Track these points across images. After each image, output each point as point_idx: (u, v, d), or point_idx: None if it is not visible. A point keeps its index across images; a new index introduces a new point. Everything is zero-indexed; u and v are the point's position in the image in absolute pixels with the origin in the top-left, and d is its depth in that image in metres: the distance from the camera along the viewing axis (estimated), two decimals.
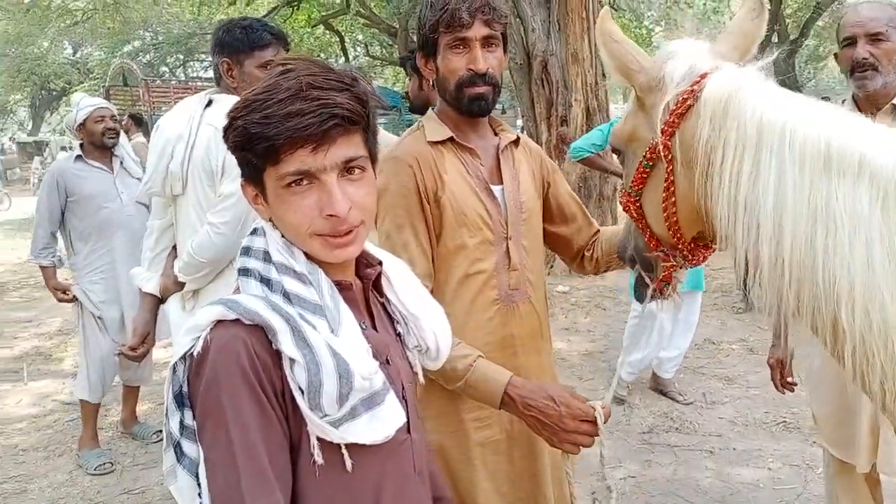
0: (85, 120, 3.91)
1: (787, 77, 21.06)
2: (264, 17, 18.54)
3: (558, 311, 6.68)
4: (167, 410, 1.08)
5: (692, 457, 3.80)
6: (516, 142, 1.89)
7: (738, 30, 1.41)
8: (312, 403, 1.00)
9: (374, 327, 1.19)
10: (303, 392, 0.99)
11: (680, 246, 1.44)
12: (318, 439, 1.03)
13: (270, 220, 1.11)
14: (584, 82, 7.64)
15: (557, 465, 1.89)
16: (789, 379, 2.52)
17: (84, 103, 4.02)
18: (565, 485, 1.91)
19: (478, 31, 1.67)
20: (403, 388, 1.19)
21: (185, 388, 1.05)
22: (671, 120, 1.29)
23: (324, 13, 19.00)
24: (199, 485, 1.05)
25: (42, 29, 19.91)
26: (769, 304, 1.19)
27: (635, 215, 1.47)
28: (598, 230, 1.99)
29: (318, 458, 1.03)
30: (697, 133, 1.24)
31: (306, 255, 1.09)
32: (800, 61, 26.18)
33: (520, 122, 18.12)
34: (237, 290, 1.10)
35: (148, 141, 9.89)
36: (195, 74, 24.86)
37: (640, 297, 1.66)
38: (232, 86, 2.43)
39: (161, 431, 4.26)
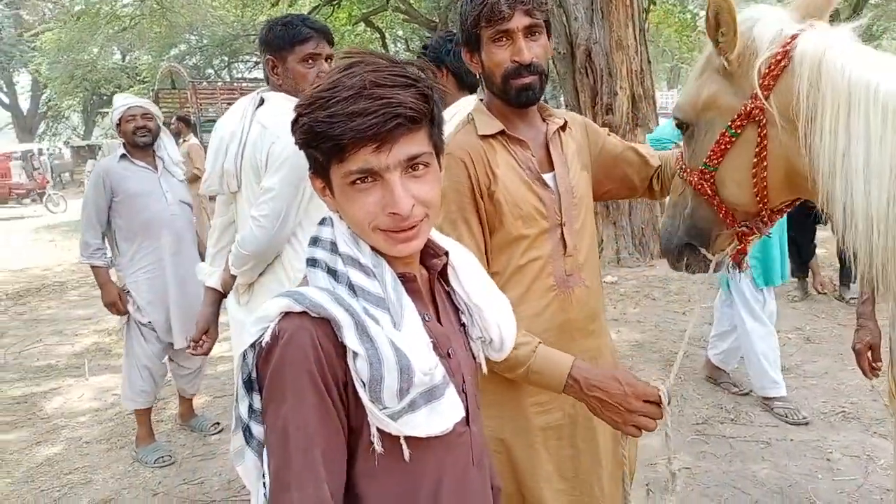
0: (119, 120, 3.93)
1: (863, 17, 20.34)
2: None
3: (607, 301, 6.62)
4: (237, 395, 1.12)
5: (748, 448, 3.72)
6: (563, 126, 1.88)
7: (807, 3, 1.41)
8: (373, 396, 1.02)
9: (438, 319, 1.20)
10: (364, 385, 1.02)
11: (764, 213, 1.44)
12: (379, 430, 1.05)
13: (337, 211, 1.12)
14: (629, 70, 7.53)
15: (615, 448, 1.89)
16: (877, 364, 2.40)
17: (117, 103, 4.04)
18: (623, 467, 1.90)
19: (519, 21, 1.66)
20: (464, 381, 1.20)
21: (254, 375, 1.08)
22: (766, 82, 1.31)
23: (364, 10, 19.11)
24: (263, 465, 1.09)
25: (92, 35, 20.46)
26: (862, 262, 1.23)
27: (710, 192, 1.46)
28: (660, 164, 2.00)
29: (378, 448, 1.05)
30: (796, 91, 1.27)
31: (371, 247, 1.11)
32: None
33: (563, 112, 17.97)
34: (305, 280, 1.12)
35: (200, 142, 10.14)
36: (240, 75, 25.31)
37: (710, 269, 1.64)
38: (277, 83, 2.48)
39: (218, 423, 4.37)
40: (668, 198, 1.78)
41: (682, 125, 1.52)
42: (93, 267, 3.93)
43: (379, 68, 1.03)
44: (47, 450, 4.29)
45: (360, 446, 1.07)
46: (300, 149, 1.09)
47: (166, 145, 4.12)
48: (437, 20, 16.16)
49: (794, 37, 1.31)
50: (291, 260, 2.41)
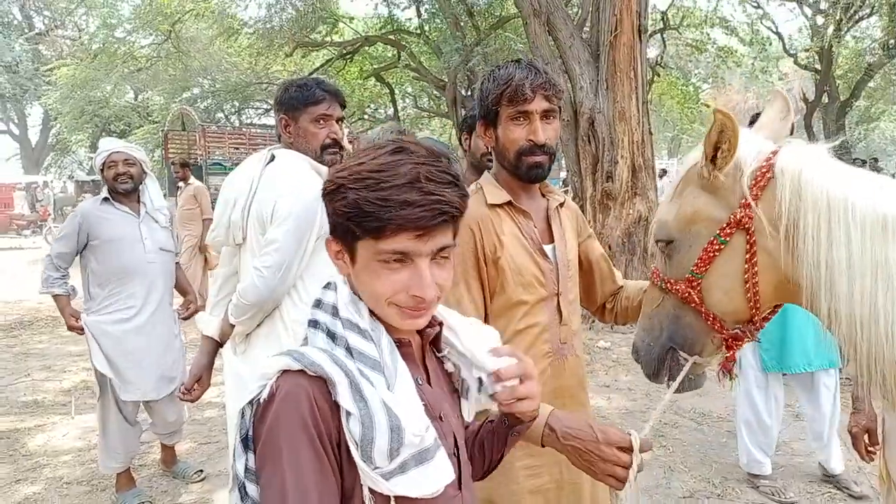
0: (102, 165, 3.88)
1: (838, 137, 20.81)
2: (318, 68, 19.21)
3: (599, 367, 6.62)
4: (234, 452, 1.15)
5: None
6: (561, 203, 2.02)
7: (769, 128, 1.57)
8: (365, 455, 1.05)
9: (429, 382, 1.24)
10: (356, 444, 1.05)
11: (756, 318, 1.51)
12: (371, 491, 1.08)
13: (349, 275, 1.18)
14: (630, 140, 7.69)
15: None
16: (874, 448, 2.38)
17: (101, 147, 3.97)
18: None
19: (538, 105, 1.80)
20: (456, 445, 1.23)
21: (251, 433, 1.11)
22: (755, 192, 1.41)
23: (376, 66, 19.58)
24: None
25: (107, 74, 20.84)
26: (848, 355, 1.34)
27: (697, 300, 1.52)
28: (622, 286, 2.13)
29: None
30: (780, 200, 1.38)
31: (372, 313, 1.16)
32: (850, 122, 25.88)
33: (563, 175, 18.23)
34: (306, 340, 1.17)
35: (205, 184, 10.15)
36: (249, 121, 25.69)
37: (693, 385, 1.67)
38: (289, 141, 2.58)
39: (202, 471, 4.32)
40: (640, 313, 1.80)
41: (661, 242, 1.59)
42: (54, 297, 3.86)
43: (428, 161, 1.10)
44: (27, 488, 4.24)
45: None
46: (334, 217, 1.13)
47: (150, 190, 4.04)
48: (447, 79, 16.53)
49: (774, 153, 1.43)
50: (290, 311, 2.45)
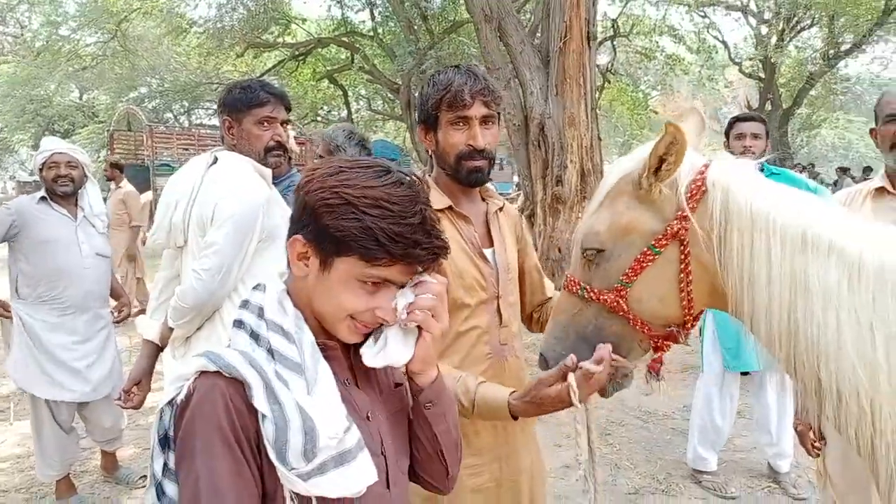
0: (42, 165, 3.75)
1: (781, 144, 21.56)
2: (270, 69, 19.02)
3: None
4: (153, 452, 1.15)
5: None
6: (501, 208, 2.05)
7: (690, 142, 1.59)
8: (280, 456, 1.06)
9: (357, 384, 1.26)
10: (272, 445, 1.06)
11: (688, 321, 1.54)
12: (291, 490, 1.09)
13: (305, 276, 1.18)
14: (579, 145, 7.82)
15: None
16: (819, 444, 2.46)
17: (43, 146, 3.85)
18: None
19: (477, 110, 1.82)
20: (383, 444, 1.25)
21: (170, 433, 1.13)
22: (691, 205, 1.45)
23: (329, 68, 19.48)
24: None
25: (50, 72, 20.25)
26: (770, 360, 1.39)
27: (625, 307, 1.53)
28: (551, 297, 2.17)
29: None
30: (710, 212, 1.42)
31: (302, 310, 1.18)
32: (793, 129, 26.74)
33: (516, 178, 18.41)
34: (230, 342, 1.18)
35: (154, 186, 9.76)
36: (199, 122, 25.25)
37: (619, 387, 1.66)
38: (231, 143, 2.56)
39: (145, 476, 4.23)
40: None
41: (589, 251, 1.58)
42: None
43: (427, 202, 1.17)
44: None
45: None
46: (329, 225, 1.12)
47: (89, 194, 3.93)
48: (401, 82, 16.54)
49: (706, 166, 1.48)
50: (230, 314, 2.39)
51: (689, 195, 1.46)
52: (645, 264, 1.50)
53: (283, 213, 2.50)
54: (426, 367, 1.27)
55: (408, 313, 1.18)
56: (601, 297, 1.55)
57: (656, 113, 23.87)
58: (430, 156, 1.96)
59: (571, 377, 1.47)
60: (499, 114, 1.90)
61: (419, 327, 1.21)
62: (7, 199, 27.57)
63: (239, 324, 1.18)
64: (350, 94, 21.67)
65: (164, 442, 1.14)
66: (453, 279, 1.80)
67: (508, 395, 1.61)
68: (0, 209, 3.78)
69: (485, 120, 1.84)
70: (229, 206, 2.34)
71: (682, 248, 1.47)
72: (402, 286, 1.17)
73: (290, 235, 1.18)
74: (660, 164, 1.47)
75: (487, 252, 1.91)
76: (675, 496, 4.06)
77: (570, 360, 1.47)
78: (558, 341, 1.65)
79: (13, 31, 25.52)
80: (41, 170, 3.78)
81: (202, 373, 1.10)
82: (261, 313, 1.17)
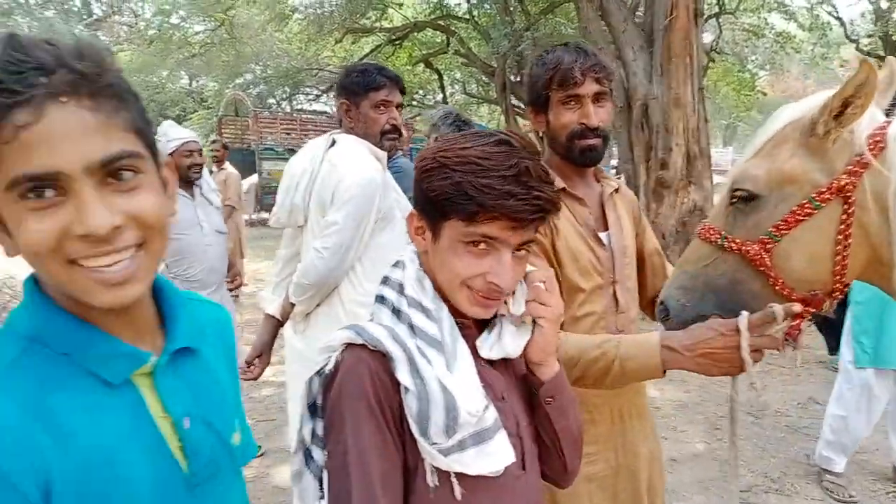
0: (173, 153, 3.83)
1: None
2: (368, 55, 19.28)
3: None
4: (301, 419, 1.19)
5: None
6: (616, 189, 1.98)
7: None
8: (422, 430, 1.07)
9: (492, 364, 1.24)
10: (414, 419, 1.07)
11: (837, 290, 1.41)
12: (432, 465, 1.10)
13: (425, 252, 1.20)
14: (685, 127, 7.53)
15: (653, 499, 1.93)
16: None
17: (172, 134, 3.96)
18: None
19: (589, 87, 1.77)
20: (518, 426, 1.23)
21: (318, 401, 1.16)
22: (864, 161, 1.32)
23: (424, 52, 19.58)
24: (321, 488, 1.16)
25: (163, 59, 21.25)
26: None
27: (768, 263, 1.41)
28: None
29: (431, 482, 1.10)
30: (890, 169, 1.29)
31: (439, 292, 1.18)
32: None
33: (613, 162, 17.98)
34: (372, 316, 1.20)
35: (259, 169, 10.02)
36: (299, 107, 26.00)
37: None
38: (349, 125, 2.61)
39: (260, 446, 4.39)
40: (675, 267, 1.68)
41: (745, 196, 1.46)
42: None
43: (530, 157, 1.12)
44: None
45: (416, 482, 1.11)
46: (425, 192, 1.14)
47: (204, 173, 4.08)
48: (496, 65, 16.42)
49: (887, 122, 1.34)
50: (349, 292, 2.50)
51: (866, 150, 1.31)
52: (800, 218, 1.37)
53: (396, 195, 2.57)
54: (545, 358, 1.24)
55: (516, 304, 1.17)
56: (743, 247, 1.44)
57: (764, 94, 22.71)
58: (542, 138, 1.92)
59: (745, 327, 1.35)
60: (611, 90, 1.84)
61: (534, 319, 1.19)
62: None
63: (381, 299, 1.19)
64: (445, 77, 21.72)
65: (313, 409, 1.17)
66: (568, 262, 1.76)
67: (658, 344, 1.47)
68: None
69: (597, 97, 1.79)
70: (349, 187, 2.41)
71: (845, 205, 1.33)
72: (515, 249, 1.13)
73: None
74: (843, 108, 1.33)
75: (603, 235, 1.85)
76: (790, 496, 3.87)
77: (785, 309, 1.33)
78: (683, 291, 1.55)
79: (128, 20, 26.98)
80: (171, 154, 3.88)
81: (348, 345, 1.12)
82: (401, 289, 1.18)
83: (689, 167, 7.57)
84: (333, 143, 2.59)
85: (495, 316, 1.21)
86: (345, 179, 2.42)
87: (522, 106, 16.74)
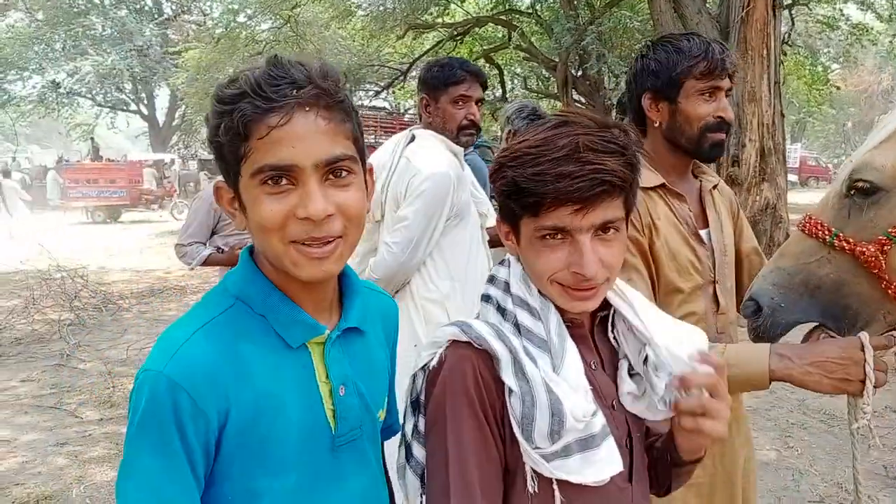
0: None
1: None
2: (429, 51, 19.33)
3: None
4: (404, 414, 1.19)
5: None
6: (715, 185, 1.91)
7: None
8: (525, 434, 1.03)
9: (604, 368, 1.19)
10: (517, 421, 1.04)
11: None
12: (533, 470, 1.06)
13: (517, 255, 1.17)
14: (760, 122, 7.29)
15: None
16: None
17: None
18: None
19: (727, 81, 1.75)
20: (629, 436, 1.17)
21: (421, 397, 1.14)
22: None
23: (485, 47, 19.50)
24: (422, 485, 1.14)
25: (230, 56, 21.72)
26: None
27: (882, 266, 1.30)
28: None
29: (531, 488, 1.07)
30: None
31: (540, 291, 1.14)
32: None
33: None
34: (479, 314, 1.18)
35: None
36: (360, 103, 26.26)
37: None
38: (428, 120, 2.62)
39: None
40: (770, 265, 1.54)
41: (865, 188, 1.33)
42: (205, 263, 4.02)
43: (590, 131, 1.06)
44: None
45: (515, 486, 1.08)
46: (497, 197, 1.13)
47: None
48: (558, 60, 16.23)
49: None
50: (419, 288, 2.51)
51: None
52: None
53: (474, 191, 2.56)
54: (692, 455, 1.15)
55: (672, 405, 1.07)
56: (857, 248, 1.31)
57: (838, 88, 21.88)
58: (658, 127, 1.80)
59: (867, 344, 1.27)
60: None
61: None
62: (190, 175, 30.24)
63: (486, 298, 1.18)
64: (506, 72, 21.59)
65: (416, 405, 1.17)
66: (667, 261, 1.70)
67: (768, 350, 1.39)
68: (205, 201, 4.12)
69: (727, 93, 1.77)
70: (422, 182, 2.42)
71: None
72: (596, 232, 1.06)
73: None
74: None
75: (703, 233, 1.79)
76: None
77: None
78: (777, 288, 1.44)
79: (197, 18, 27.72)
80: None
81: (454, 342, 1.10)
82: (507, 288, 1.15)
83: (763, 163, 7.34)
84: (412, 138, 2.59)
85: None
86: (418, 174, 2.43)
87: (583, 101, 16.50)
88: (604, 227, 1.07)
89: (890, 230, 1.29)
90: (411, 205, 2.42)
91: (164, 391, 0.93)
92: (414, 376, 1.17)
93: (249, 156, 0.96)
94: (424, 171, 2.43)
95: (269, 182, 0.96)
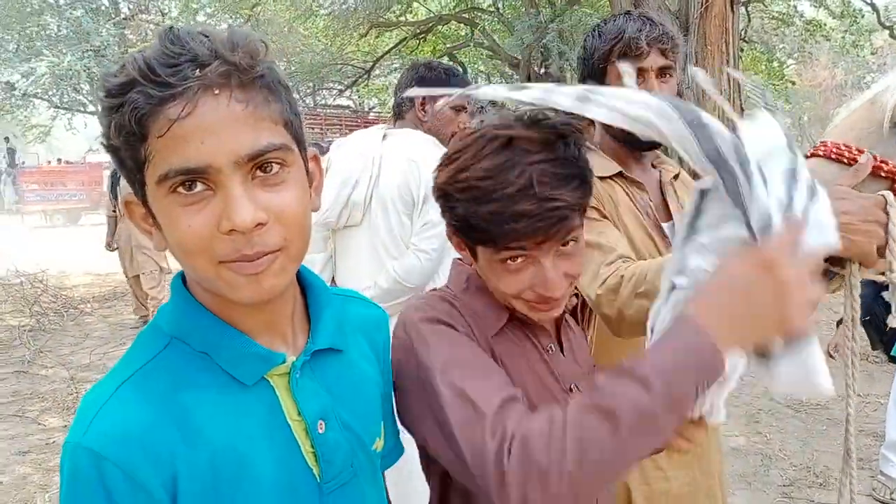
0: None
1: None
2: (392, 49, 19.28)
3: None
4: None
5: None
6: (676, 175, 1.82)
7: None
8: None
9: (563, 352, 1.20)
10: None
11: None
12: None
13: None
14: (720, 116, 7.40)
15: None
16: None
17: None
18: None
19: (654, 60, 1.61)
20: None
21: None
22: None
23: (448, 45, 19.51)
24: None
25: None
26: None
27: None
28: None
29: None
30: None
31: None
32: None
33: None
34: None
35: None
36: (323, 102, 26.04)
37: None
38: (421, 119, 2.55)
39: None
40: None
41: None
42: None
43: (541, 158, 0.98)
44: None
45: None
46: (448, 224, 1.11)
47: None
48: (521, 57, 16.31)
49: None
50: (427, 288, 2.43)
51: None
52: None
53: None
54: None
55: None
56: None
57: (793, 83, 22.35)
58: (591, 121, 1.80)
59: (893, 201, 1.15)
60: (676, 64, 1.65)
61: None
62: None
63: None
64: (469, 70, 21.62)
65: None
66: (627, 253, 1.61)
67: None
68: None
69: (662, 72, 1.62)
70: None
71: None
72: (561, 245, 1.02)
73: None
74: None
75: (665, 226, 1.68)
76: (834, 491, 3.78)
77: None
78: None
79: (155, 18, 27.20)
80: None
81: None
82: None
83: None
84: (385, 137, 2.51)
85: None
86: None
87: None
88: (565, 244, 1.04)
89: None
90: (436, 207, 2.35)
91: (88, 467, 0.75)
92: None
93: (151, 159, 0.77)
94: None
95: (181, 190, 0.77)
